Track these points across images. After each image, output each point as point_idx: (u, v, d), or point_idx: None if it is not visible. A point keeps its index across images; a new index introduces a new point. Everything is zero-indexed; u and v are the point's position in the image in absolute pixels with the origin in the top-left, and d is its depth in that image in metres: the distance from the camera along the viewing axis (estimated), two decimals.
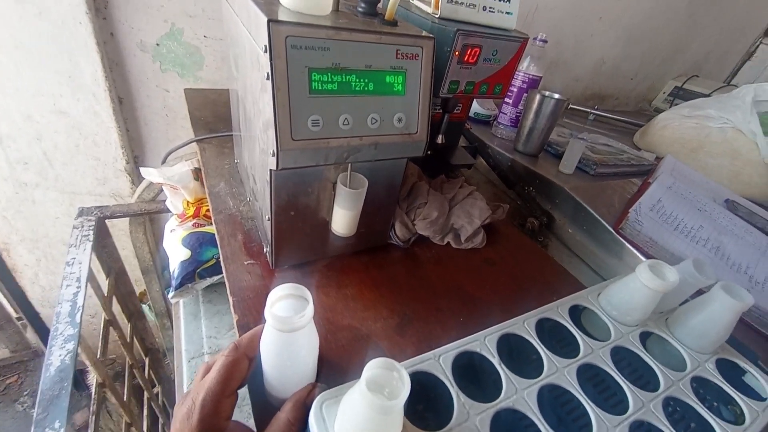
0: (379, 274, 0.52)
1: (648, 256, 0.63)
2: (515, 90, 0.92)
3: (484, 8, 0.50)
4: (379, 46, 0.35)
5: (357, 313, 0.46)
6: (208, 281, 0.61)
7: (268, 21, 0.29)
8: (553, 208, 0.79)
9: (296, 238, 0.46)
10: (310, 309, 0.29)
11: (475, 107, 1.05)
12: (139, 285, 1.01)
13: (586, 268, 0.72)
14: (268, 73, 0.31)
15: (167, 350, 1.09)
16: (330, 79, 0.33)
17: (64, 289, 0.53)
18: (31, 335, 1.44)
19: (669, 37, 1.49)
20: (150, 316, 1.06)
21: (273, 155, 0.34)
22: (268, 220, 0.43)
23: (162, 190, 0.71)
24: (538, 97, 0.82)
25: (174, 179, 0.62)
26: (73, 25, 0.72)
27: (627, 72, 1.51)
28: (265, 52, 0.31)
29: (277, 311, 0.29)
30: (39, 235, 0.97)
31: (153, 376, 1.02)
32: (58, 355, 0.46)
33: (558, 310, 0.44)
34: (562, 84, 1.40)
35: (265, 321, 0.30)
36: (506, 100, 0.95)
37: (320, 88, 0.33)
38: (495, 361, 0.37)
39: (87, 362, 0.59)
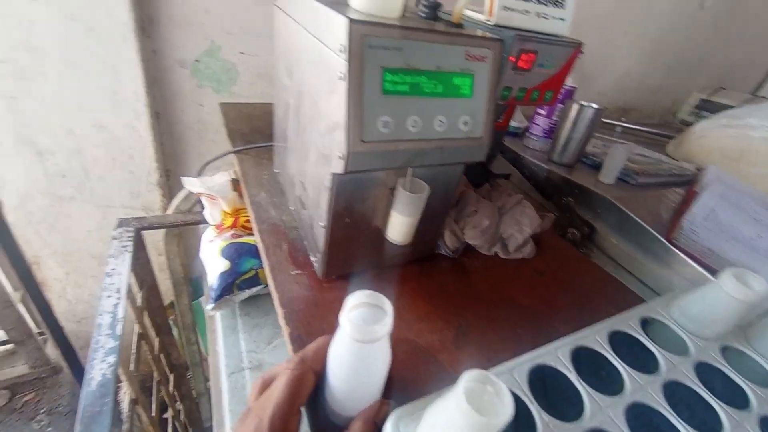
0: (430, 285, 0.50)
1: (705, 267, 0.60)
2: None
3: (538, 15, 0.49)
4: (450, 47, 0.34)
5: (412, 324, 0.44)
6: (247, 293, 0.59)
7: (349, 21, 0.29)
8: (595, 218, 0.76)
9: (349, 246, 0.44)
10: (389, 319, 0.27)
11: None
12: (165, 298, 1.01)
13: (632, 279, 0.69)
14: (342, 73, 0.31)
15: (191, 365, 1.07)
16: (402, 80, 0.33)
17: (105, 300, 0.53)
18: (50, 350, 1.43)
19: (694, 50, 1.48)
20: (174, 331, 1.04)
21: (340, 158, 0.33)
22: (323, 227, 0.42)
23: (198, 202, 0.70)
24: (575, 106, 0.81)
25: (214, 189, 0.62)
26: (119, 42, 0.74)
27: (651, 85, 1.50)
28: (342, 51, 0.30)
29: (355, 320, 0.28)
30: (71, 249, 0.97)
31: (176, 394, 0.99)
32: (99, 369, 0.44)
33: (629, 323, 0.41)
34: (586, 98, 1.39)
35: (339, 329, 0.28)
36: (539, 111, 0.94)
37: (392, 88, 0.33)
38: (572, 376, 0.34)
39: (123, 377, 0.57)
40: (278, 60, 0.54)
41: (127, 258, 0.60)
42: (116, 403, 0.44)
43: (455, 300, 0.49)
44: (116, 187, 0.92)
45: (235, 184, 0.68)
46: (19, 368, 1.41)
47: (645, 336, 0.40)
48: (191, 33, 0.82)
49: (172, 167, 0.98)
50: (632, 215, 0.70)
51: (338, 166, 0.34)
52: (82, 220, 0.94)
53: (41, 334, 1.40)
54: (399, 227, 0.42)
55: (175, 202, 0.76)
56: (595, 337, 0.39)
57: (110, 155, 0.87)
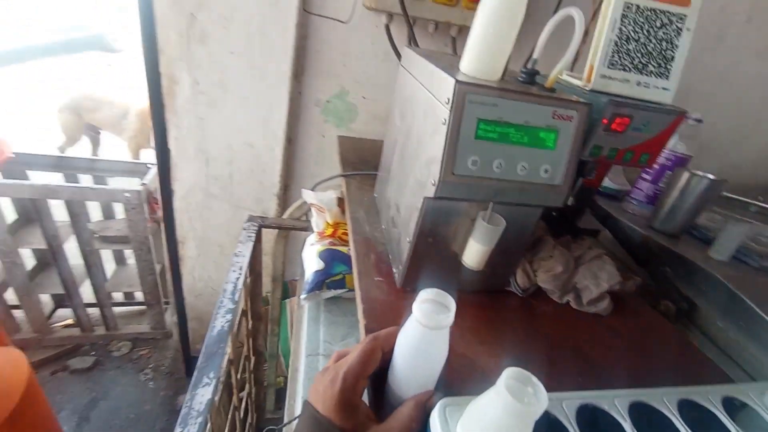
0: (496, 316, 0.53)
1: None
2: (657, 167, 0.88)
3: (639, 83, 0.53)
4: (538, 107, 0.40)
5: (472, 345, 0.48)
6: (332, 293, 0.69)
7: (456, 82, 0.38)
8: (697, 295, 0.70)
9: (427, 263, 0.51)
10: (452, 313, 0.33)
11: (605, 181, 1.02)
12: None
13: (736, 369, 0.61)
14: (445, 119, 0.39)
15: (269, 357, 1.20)
16: (493, 129, 0.40)
17: (231, 273, 0.67)
18: (168, 317, 1.74)
19: None
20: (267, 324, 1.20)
21: (433, 184, 0.41)
22: (408, 242, 0.50)
23: (308, 211, 0.85)
24: (685, 174, 0.77)
25: (323, 201, 0.75)
26: (278, 85, 0.97)
27: None
28: (447, 103, 0.39)
29: (424, 308, 0.34)
30: (206, 236, 1.22)
31: (252, 377, 1.13)
32: (220, 322, 0.57)
33: (708, 397, 0.39)
34: (715, 169, 1.26)
35: (409, 317, 0.34)
36: (644, 176, 0.91)
37: (484, 135, 0.40)
38: (627, 425, 0.34)
39: (229, 336, 0.70)
40: (395, 105, 0.66)
41: (249, 245, 0.75)
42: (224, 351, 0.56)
43: (518, 335, 0.51)
44: (247, 193, 1.14)
45: (340, 201, 0.81)
46: (143, 327, 1.74)
47: (726, 416, 0.38)
48: (329, 80, 1.02)
49: (290, 183, 1.18)
50: (746, 300, 0.63)
51: (430, 191, 0.42)
52: (219, 215, 1.18)
53: (166, 303, 1.72)
54: (474, 254, 0.47)
55: (290, 209, 0.93)
56: (663, 398, 0.38)
57: (250, 167, 1.10)
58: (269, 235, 1.06)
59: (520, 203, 0.45)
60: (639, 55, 0.51)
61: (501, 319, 0.53)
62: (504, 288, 0.57)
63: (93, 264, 1.50)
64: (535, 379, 0.28)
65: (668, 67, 0.52)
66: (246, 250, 0.74)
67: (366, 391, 0.41)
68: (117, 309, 1.73)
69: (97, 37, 4.91)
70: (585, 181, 0.65)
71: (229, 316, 0.59)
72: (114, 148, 2.75)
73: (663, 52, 0.51)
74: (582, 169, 0.61)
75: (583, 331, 0.53)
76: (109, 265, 1.73)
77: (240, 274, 0.68)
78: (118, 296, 1.82)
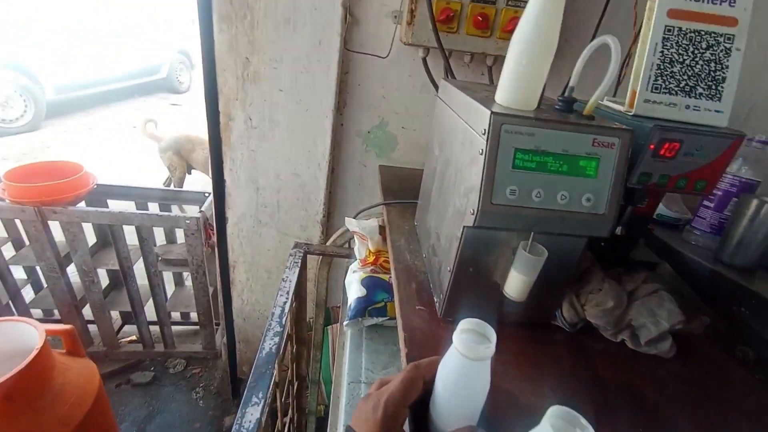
0: (540, 351, 0.51)
1: None
2: (720, 193, 0.81)
3: (687, 107, 0.50)
4: (576, 135, 0.40)
5: (516, 382, 0.46)
6: (374, 320, 0.70)
7: (491, 113, 0.39)
8: None
9: (469, 293, 0.50)
10: (493, 344, 0.33)
11: (660, 208, 0.96)
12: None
13: None
14: (482, 149, 0.40)
15: (311, 383, 1.21)
16: (530, 159, 0.40)
17: (279, 297, 0.71)
18: (218, 338, 1.82)
19: None
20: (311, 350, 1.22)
21: (472, 214, 0.42)
22: (449, 271, 0.50)
23: (351, 239, 0.88)
24: (755, 202, 0.71)
25: (365, 230, 0.78)
26: (322, 118, 1.03)
27: None
28: (483, 134, 0.40)
29: (464, 339, 0.34)
30: (255, 261, 1.29)
31: (294, 402, 1.14)
32: (268, 344, 0.60)
33: None
34: None
35: (450, 347, 0.34)
36: (706, 203, 0.84)
37: (521, 165, 0.40)
38: None
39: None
40: (433, 135, 0.67)
41: (296, 271, 0.79)
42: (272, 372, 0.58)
43: (566, 374, 0.48)
44: (294, 220, 1.20)
45: (381, 229, 0.83)
46: (196, 346, 1.84)
47: None
48: (369, 112, 1.07)
49: (333, 211, 1.23)
50: None
51: (469, 220, 0.43)
52: (267, 241, 1.25)
53: (217, 324, 1.82)
54: (516, 284, 0.46)
55: (334, 237, 0.96)
56: None
57: (296, 196, 1.16)
58: (313, 262, 1.10)
59: (563, 233, 0.44)
60: (685, 77, 0.49)
61: (547, 354, 0.51)
62: (550, 322, 0.54)
63: (156, 285, 1.63)
64: (584, 420, 0.26)
65: (719, 88, 0.49)
66: (292, 276, 0.77)
67: (408, 420, 0.40)
68: (175, 328, 1.85)
69: (166, 80, 5.53)
70: (636, 210, 0.62)
71: (276, 339, 0.62)
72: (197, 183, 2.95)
73: (712, 73, 0.49)
74: (631, 197, 0.58)
75: (643, 375, 0.49)
76: (169, 287, 1.86)
77: (287, 298, 0.71)
78: (176, 316, 1.95)
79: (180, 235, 1.80)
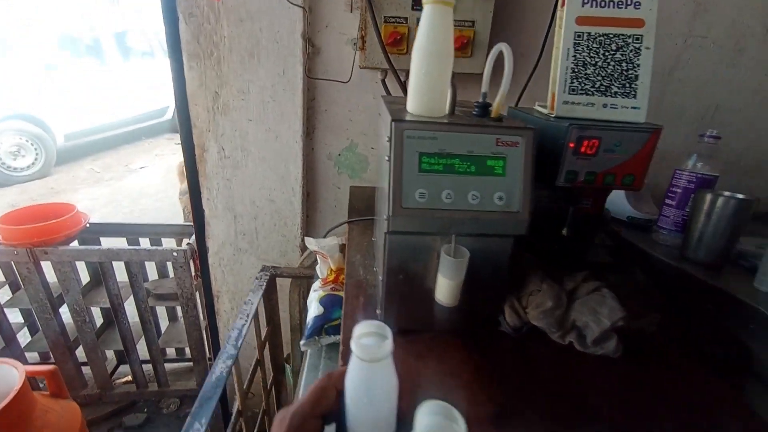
0: (483, 360, 0.50)
1: None
2: (679, 191, 0.81)
3: (605, 105, 0.52)
4: (479, 136, 0.41)
5: (452, 390, 0.45)
6: (332, 339, 0.69)
7: (392, 121, 0.41)
8: (751, 338, 0.59)
9: (404, 301, 0.50)
10: (389, 343, 0.32)
11: (629, 210, 0.95)
12: (287, 348, 1.19)
13: None
14: (388, 156, 0.41)
15: None
16: (437, 161, 0.41)
17: (237, 321, 0.71)
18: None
19: None
20: (289, 377, 1.20)
21: (386, 219, 0.42)
22: (381, 280, 0.50)
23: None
24: (709, 197, 0.70)
25: (325, 248, 0.79)
26: (292, 143, 1.06)
27: None
28: (388, 140, 0.41)
29: (360, 343, 0.34)
30: (237, 289, 1.29)
31: None
32: (219, 367, 0.60)
33: None
34: (753, 188, 1.12)
35: (351, 353, 0.34)
36: (668, 201, 0.83)
37: (428, 168, 0.41)
38: None
39: (236, 385, 0.72)
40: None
41: (259, 293, 0.79)
42: (225, 392, 0.57)
43: (509, 381, 0.47)
44: (272, 246, 1.22)
45: (343, 247, 0.83)
46: (191, 383, 1.80)
47: None
48: (338, 135, 1.10)
49: (311, 234, 1.24)
50: None
51: (385, 227, 0.43)
52: (248, 269, 1.26)
53: (210, 359, 1.79)
54: (444, 289, 0.46)
55: (301, 258, 0.97)
56: None
57: (273, 221, 1.18)
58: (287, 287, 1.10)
59: (483, 233, 0.44)
60: (599, 78, 0.51)
61: (490, 362, 0.49)
62: (496, 329, 0.53)
63: (147, 320, 1.63)
64: (457, 413, 0.26)
65: (633, 86, 0.51)
66: (255, 299, 0.78)
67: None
68: (170, 365, 1.83)
69: (172, 121, 5.78)
70: (581, 210, 0.62)
71: (229, 362, 0.61)
72: None
73: (624, 72, 0.50)
74: (569, 197, 0.58)
75: (592, 378, 0.47)
76: (164, 323, 1.86)
77: (246, 321, 0.71)
78: (171, 352, 1.94)
79: (171, 268, 1.83)
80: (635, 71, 0.50)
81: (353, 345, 0.33)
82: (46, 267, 1.46)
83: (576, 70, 0.51)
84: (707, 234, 0.71)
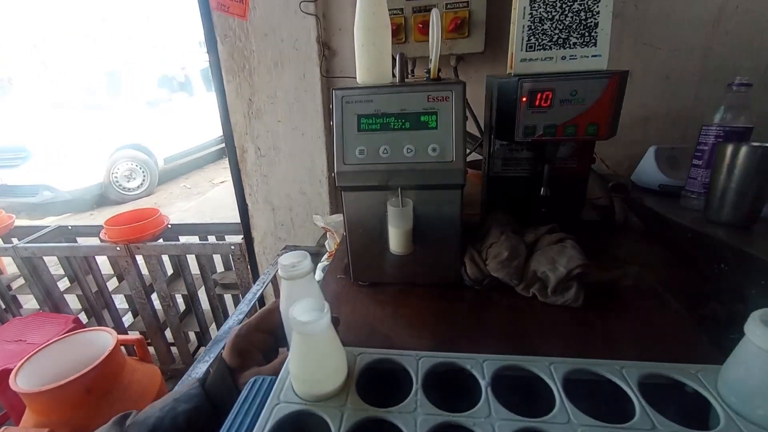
0: (441, 308, 0.52)
1: None
2: (707, 148, 0.73)
3: (563, 58, 0.51)
4: (411, 95, 0.45)
5: (400, 329, 0.49)
6: None
7: (332, 89, 0.47)
8: (763, 293, 0.53)
9: (369, 256, 0.55)
10: (307, 261, 0.38)
11: (661, 178, 0.87)
12: None
13: None
14: (333, 121, 0.48)
15: None
16: (374, 122, 0.46)
17: (254, 286, 0.81)
18: None
19: None
20: None
21: (334, 176, 0.48)
22: (345, 235, 0.56)
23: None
24: (730, 148, 0.63)
25: (330, 224, 0.86)
26: (316, 139, 1.17)
27: None
28: (332, 107, 0.48)
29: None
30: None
31: None
32: (233, 321, 0.70)
33: (623, 372, 0.32)
34: None
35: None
36: (696, 161, 0.75)
37: (366, 128, 0.47)
38: (483, 383, 0.32)
39: None
40: None
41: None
42: None
43: (456, 326, 0.49)
44: (307, 234, 1.34)
45: None
46: None
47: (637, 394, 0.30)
48: None
49: None
50: None
51: (335, 182, 0.49)
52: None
53: None
54: (394, 238, 0.51)
55: (320, 237, 1.06)
56: (549, 366, 0.33)
57: (305, 212, 1.30)
58: None
59: (425, 185, 0.48)
60: (557, 31, 0.51)
61: (447, 311, 0.52)
62: (457, 280, 0.56)
63: (215, 307, 1.88)
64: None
65: (593, 34, 0.50)
66: (269, 274, 0.88)
67: None
68: None
69: None
70: (568, 170, 0.61)
71: (241, 317, 0.72)
72: None
73: (583, 22, 0.50)
74: (542, 154, 0.58)
75: (540, 322, 0.48)
76: (231, 310, 2.12)
77: (260, 288, 0.81)
78: None
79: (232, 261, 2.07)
80: (595, 18, 0.49)
81: (278, 267, 0.39)
82: (140, 261, 1.78)
83: (533, 27, 0.51)
84: (730, 191, 0.63)
